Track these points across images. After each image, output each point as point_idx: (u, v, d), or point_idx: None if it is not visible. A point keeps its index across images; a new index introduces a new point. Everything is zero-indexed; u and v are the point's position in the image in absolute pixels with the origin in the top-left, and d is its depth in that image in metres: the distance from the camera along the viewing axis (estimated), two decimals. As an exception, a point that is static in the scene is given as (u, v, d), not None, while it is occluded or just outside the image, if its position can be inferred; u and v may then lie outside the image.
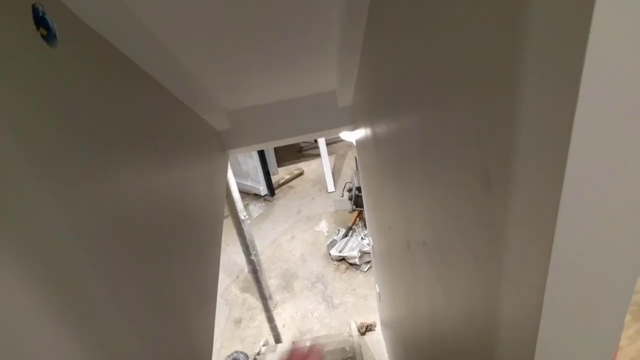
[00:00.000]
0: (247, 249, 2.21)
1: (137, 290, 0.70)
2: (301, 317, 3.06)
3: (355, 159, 3.81)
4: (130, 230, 0.73)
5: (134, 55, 0.86)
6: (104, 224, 0.63)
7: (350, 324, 2.85)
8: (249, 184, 4.44)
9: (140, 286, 0.72)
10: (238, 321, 3.11)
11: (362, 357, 2.29)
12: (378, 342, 2.68)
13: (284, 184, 4.72)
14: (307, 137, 1.92)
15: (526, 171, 0.34)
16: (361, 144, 1.66)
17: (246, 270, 2.44)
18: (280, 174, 4.87)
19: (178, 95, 1.17)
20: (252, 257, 2.26)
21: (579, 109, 0.26)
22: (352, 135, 2.00)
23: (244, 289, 3.38)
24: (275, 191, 4.55)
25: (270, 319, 2.60)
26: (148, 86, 0.97)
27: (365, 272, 3.33)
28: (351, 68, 1.36)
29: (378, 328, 2.77)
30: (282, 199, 4.47)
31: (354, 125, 1.82)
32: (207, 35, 1.00)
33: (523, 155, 0.34)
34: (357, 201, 3.68)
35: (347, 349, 2.32)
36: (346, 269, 3.41)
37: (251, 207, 4.36)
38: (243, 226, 2.32)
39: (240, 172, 4.42)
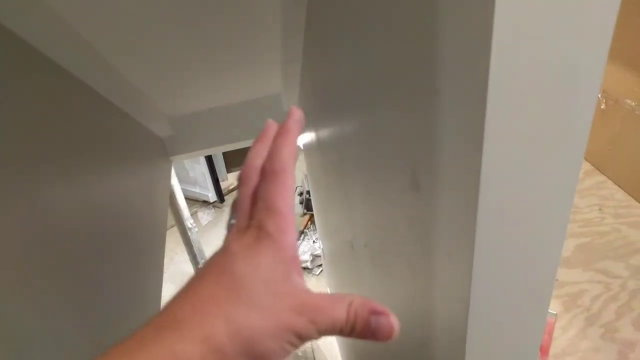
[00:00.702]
0: (195, 258, 2.16)
1: (64, 303, 0.66)
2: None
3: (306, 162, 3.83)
4: (60, 242, 0.69)
5: (62, 60, 0.82)
6: (29, 238, 0.59)
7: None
8: (197, 190, 4.33)
9: (67, 300, 0.68)
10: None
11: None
12: (331, 345, 2.69)
13: (233, 189, 4.65)
14: (251, 142, 1.90)
15: (448, 172, 0.35)
16: (308, 147, 1.67)
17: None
18: (229, 179, 4.79)
19: (114, 101, 1.12)
20: (200, 266, 2.21)
21: (489, 111, 0.27)
22: (299, 139, 2.00)
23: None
24: (225, 197, 4.48)
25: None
26: (78, 92, 0.92)
27: (317, 275, 3.34)
28: (294, 73, 1.36)
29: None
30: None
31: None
32: (141, 36, 0.96)
33: (445, 157, 0.35)
34: (307, 205, 3.68)
35: (300, 354, 2.31)
36: (298, 273, 3.40)
37: (200, 214, 4.26)
38: (190, 235, 2.26)
39: (187, 178, 4.31)
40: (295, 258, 0.28)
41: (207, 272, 0.27)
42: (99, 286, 0.84)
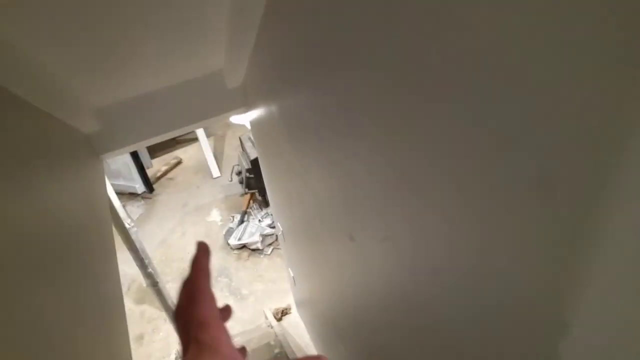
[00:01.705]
0: (142, 262, 1.93)
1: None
2: (210, 316, 2.86)
3: (240, 139, 3.61)
4: None
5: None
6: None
7: (264, 312, 2.74)
8: (121, 182, 3.96)
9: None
10: (140, 337, 2.79)
11: (288, 345, 2.21)
12: (296, 325, 2.62)
13: (162, 176, 4.32)
14: (194, 127, 1.69)
15: None
16: (259, 123, 1.50)
17: (144, 285, 2.16)
18: (155, 166, 4.44)
19: (24, 95, 0.89)
20: (150, 270, 1.99)
21: None
22: (245, 117, 1.82)
23: (138, 301, 3.04)
24: (154, 186, 4.15)
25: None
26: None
27: (269, 255, 3.22)
28: (244, 45, 1.18)
29: (294, 310, 2.70)
30: (163, 194, 4.09)
31: (247, 106, 1.65)
32: (51, 18, 0.74)
33: None
34: (248, 183, 3.50)
35: (272, 342, 2.21)
36: (249, 256, 3.26)
37: (129, 208, 3.91)
38: (131, 235, 2.02)
39: (109, 171, 3.91)
40: (235, 357, 0.34)
41: None
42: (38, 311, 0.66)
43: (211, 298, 0.37)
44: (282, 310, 2.70)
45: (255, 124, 1.68)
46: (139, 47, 1.06)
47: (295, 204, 1.34)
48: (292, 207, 1.45)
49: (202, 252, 0.42)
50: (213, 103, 1.62)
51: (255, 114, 1.55)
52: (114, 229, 1.99)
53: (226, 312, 0.43)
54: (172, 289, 3.04)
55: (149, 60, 1.21)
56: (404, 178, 0.47)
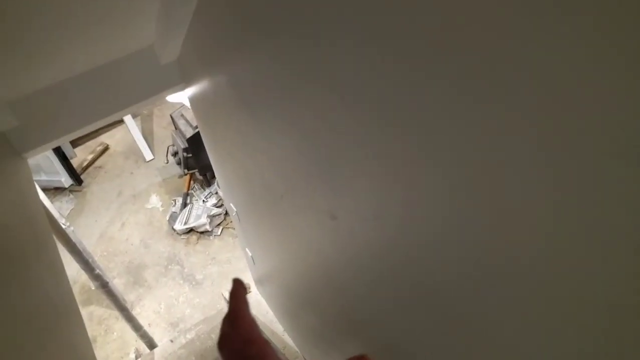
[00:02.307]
0: (87, 263, 1.76)
1: None
2: (166, 307, 2.73)
3: (171, 117, 3.38)
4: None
5: None
6: None
7: (223, 295, 2.66)
8: (44, 178, 3.60)
9: None
10: (92, 340, 2.61)
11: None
12: (258, 303, 2.57)
13: (89, 166, 3.98)
14: (129, 111, 1.53)
15: None
16: (202, 98, 1.38)
17: (92, 287, 1.99)
18: (79, 155, 4.08)
19: None
20: (97, 271, 1.82)
21: None
22: (182, 95, 1.67)
23: (85, 303, 2.83)
24: (82, 177, 3.82)
25: (137, 327, 2.23)
26: None
27: (219, 235, 3.11)
28: (181, 13, 1.05)
29: (254, 289, 2.65)
30: (94, 184, 3.79)
31: (185, 81, 1.51)
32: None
33: None
34: (187, 163, 3.32)
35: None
36: (198, 239, 3.13)
37: (57, 204, 3.59)
38: (69, 236, 1.84)
39: (26, 167, 3.53)
40: None
41: None
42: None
43: (253, 321, 0.40)
44: (242, 290, 2.63)
45: (196, 99, 1.54)
46: (55, 25, 0.90)
47: (254, 181, 1.26)
48: (250, 185, 1.36)
49: (239, 285, 0.44)
50: (147, 83, 1.46)
51: (195, 89, 1.42)
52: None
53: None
54: (119, 285, 2.86)
55: (67, 40, 1.04)
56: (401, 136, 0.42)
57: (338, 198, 0.69)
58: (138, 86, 1.45)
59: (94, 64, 1.31)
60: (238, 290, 0.44)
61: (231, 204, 2.02)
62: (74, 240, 1.84)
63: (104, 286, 1.87)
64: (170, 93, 1.58)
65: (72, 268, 2.14)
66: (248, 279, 2.69)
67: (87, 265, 1.76)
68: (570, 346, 0.32)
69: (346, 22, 0.43)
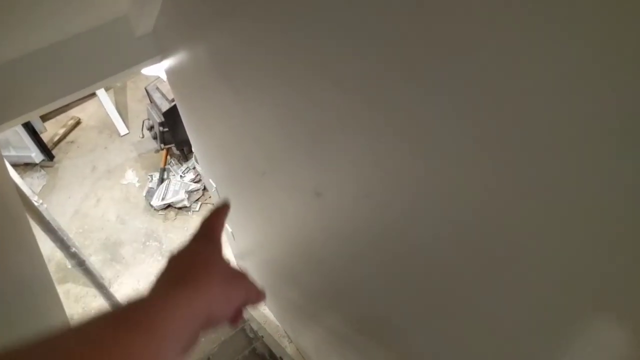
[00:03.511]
0: (63, 242, 1.73)
1: None
2: (145, 284, 2.71)
3: (146, 90, 3.29)
4: None
5: None
6: None
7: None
8: (13, 153, 3.48)
9: None
10: (70, 319, 2.58)
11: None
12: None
13: (60, 140, 3.86)
14: (102, 85, 1.47)
15: None
16: (180, 70, 1.34)
17: (69, 266, 1.95)
18: (50, 129, 3.94)
19: None
20: (73, 250, 1.79)
21: None
22: (159, 68, 1.62)
23: (60, 281, 2.78)
24: (53, 152, 3.70)
25: (116, 305, 2.21)
26: None
27: (198, 211, 3.08)
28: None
29: (234, 263, 2.65)
30: (66, 160, 3.68)
31: (162, 53, 1.46)
32: None
33: None
34: (163, 138, 3.24)
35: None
36: (176, 215, 3.09)
37: (28, 180, 3.48)
38: (43, 214, 1.79)
39: (-6, 142, 3.41)
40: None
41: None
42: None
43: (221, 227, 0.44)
44: (222, 266, 2.63)
45: (173, 72, 1.49)
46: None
47: (235, 156, 1.24)
48: (230, 160, 1.34)
49: (221, 210, 0.45)
50: (121, 55, 1.40)
51: (173, 61, 1.37)
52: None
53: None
54: (96, 262, 2.82)
55: (33, 9, 0.98)
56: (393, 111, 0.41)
57: (323, 174, 0.69)
58: (112, 58, 1.39)
59: (64, 34, 1.25)
60: (221, 209, 0.44)
61: (210, 180, 1.99)
62: (47, 218, 1.79)
63: (81, 264, 1.85)
64: (146, 66, 1.53)
65: (46, 246, 2.10)
66: (228, 254, 2.69)
67: (62, 243, 1.73)
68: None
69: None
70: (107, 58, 1.38)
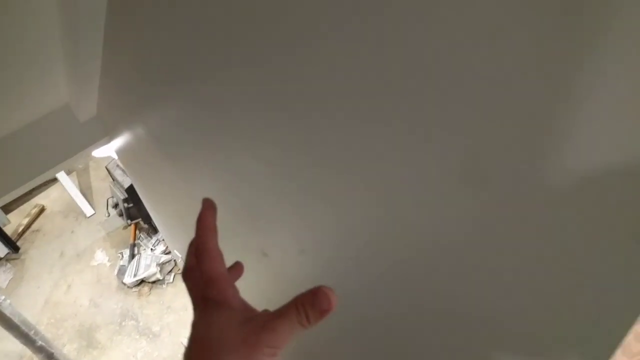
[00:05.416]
0: (27, 337, 1.67)
1: None
2: (123, 368, 2.61)
3: (107, 168, 3.30)
4: None
5: None
6: None
7: (183, 344, 2.58)
8: (-25, 251, 3.39)
9: None
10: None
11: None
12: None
13: (25, 230, 3.78)
14: (54, 172, 1.49)
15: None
16: (127, 149, 1.38)
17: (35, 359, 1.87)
18: (13, 220, 3.87)
19: None
20: (40, 343, 1.73)
21: None
22: (108, 148, 1.66)
23: (34, 377, 2.65)
24: (18, 244, 3.62)
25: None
26: None
27: (172, 282, 3.03)
28: (91, 73, 1.06)
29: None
30: (32, 249, 3.59)
31: (109, 135, 1.50)
32: None
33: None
34: (129, 214, 3.23)
35: None
36: (150, 289, 3.03)
37: (-7, 277, 3.37)
38: (4, 312, 1.74)
39: (-46, 242, 3.31)
40: (244, 310, 0.35)
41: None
42: None
43: (218, 255, 0.38)
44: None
45: (122, 151, 1.53)
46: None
47: (190, 225, 1.26)
48: (187, 229, 1.36)
49: (207, 208, 0.40)
50: (68, 141, 1.44)
51: (119, 141, 1.41)
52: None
53: (236, 270, 0.45)
54: (71, 351, 2.71)
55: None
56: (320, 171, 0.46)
57: (267, 237, 0.72)
58: (60, 145, 1.43)
59: (8, 128, 1.28)
60: (206, 214, 0.40)
61: (175, 250, 1.99)
62: (9, 314, 1.74)
63: (50, 357, 1.78)
64: (96, 148, 1.57)
65: (16, 342, 2.01)
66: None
67: (27, 338, 1.67)
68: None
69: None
70: (55, 145, 1.41)
